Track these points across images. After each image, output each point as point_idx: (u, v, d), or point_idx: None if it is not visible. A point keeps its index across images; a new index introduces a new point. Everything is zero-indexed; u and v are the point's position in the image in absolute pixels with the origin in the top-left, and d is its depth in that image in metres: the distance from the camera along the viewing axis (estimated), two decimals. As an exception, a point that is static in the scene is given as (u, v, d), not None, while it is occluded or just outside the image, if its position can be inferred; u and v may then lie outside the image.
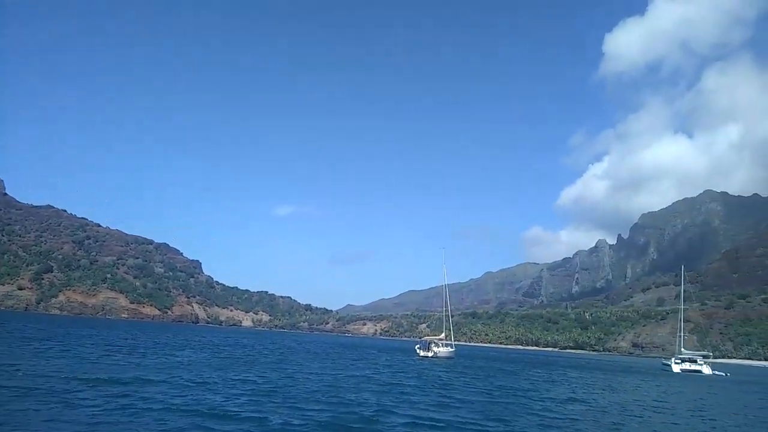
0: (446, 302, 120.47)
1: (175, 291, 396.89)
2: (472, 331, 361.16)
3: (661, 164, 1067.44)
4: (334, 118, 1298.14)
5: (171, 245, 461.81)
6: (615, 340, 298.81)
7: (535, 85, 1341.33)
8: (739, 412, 40.74)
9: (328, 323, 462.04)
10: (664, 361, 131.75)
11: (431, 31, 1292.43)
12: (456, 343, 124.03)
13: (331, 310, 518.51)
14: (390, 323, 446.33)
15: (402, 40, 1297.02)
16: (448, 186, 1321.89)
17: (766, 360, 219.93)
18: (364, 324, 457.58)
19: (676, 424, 31.75)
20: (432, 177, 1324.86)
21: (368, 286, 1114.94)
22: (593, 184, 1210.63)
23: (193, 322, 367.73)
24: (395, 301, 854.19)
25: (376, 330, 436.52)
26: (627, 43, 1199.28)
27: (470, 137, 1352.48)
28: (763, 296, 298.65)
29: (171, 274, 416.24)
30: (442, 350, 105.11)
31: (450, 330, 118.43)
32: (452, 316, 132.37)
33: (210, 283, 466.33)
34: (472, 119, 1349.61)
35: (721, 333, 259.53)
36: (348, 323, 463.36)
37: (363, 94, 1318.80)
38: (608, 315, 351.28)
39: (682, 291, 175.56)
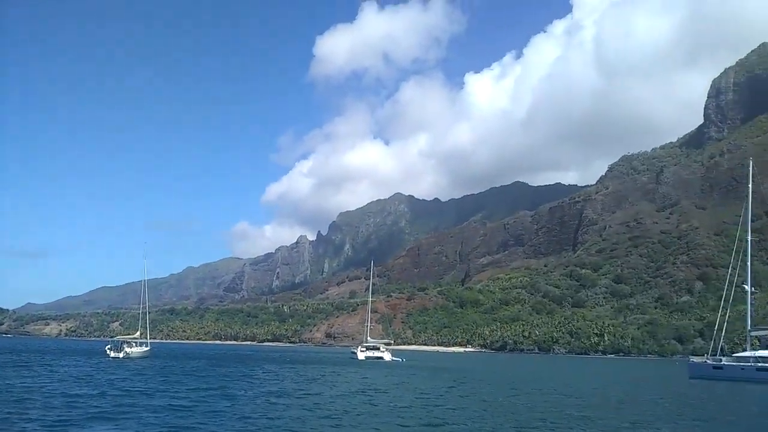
0: (144, 298, 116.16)
1: None
2: (170, 328, 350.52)
3: (361, 166, 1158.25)
4: (27, 90, 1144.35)
5: None
6: (310, 332, 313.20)
7: (247, 82, 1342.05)
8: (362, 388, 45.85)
9: (2, 324, 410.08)
10: (352, 350, 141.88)
11: (142, 29, 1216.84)
12: (152, 341, 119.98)
13: (8, 310, 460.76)
14: (78, 322, 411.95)
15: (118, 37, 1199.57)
16: (149, 179, 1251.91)
17: (438, 345, 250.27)
18: (47, 324, 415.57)
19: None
20: (130, 170, 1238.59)
21: (53, 283, 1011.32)
22: (299, 181, 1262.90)
23: None
24: (85, 299, 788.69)
25: (61, 330, 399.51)
26: (336, 48, 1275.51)
27: (177, 131, 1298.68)
28: (438, 289, 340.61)
29: None
30: (136, 350, 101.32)
31: (146, 328, 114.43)
32: (149, 313, 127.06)
33: None
34: (182, 113, 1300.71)
35: (402, 322, 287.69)
36: (27, 323, 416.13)
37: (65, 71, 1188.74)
38: (305, 308, 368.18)
39: (371, 284, 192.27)
